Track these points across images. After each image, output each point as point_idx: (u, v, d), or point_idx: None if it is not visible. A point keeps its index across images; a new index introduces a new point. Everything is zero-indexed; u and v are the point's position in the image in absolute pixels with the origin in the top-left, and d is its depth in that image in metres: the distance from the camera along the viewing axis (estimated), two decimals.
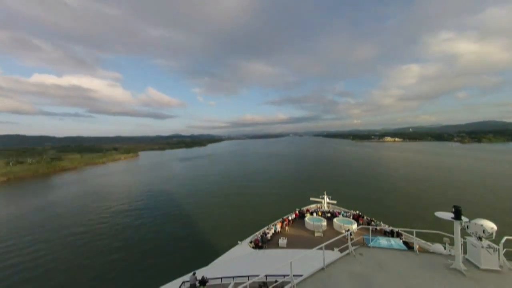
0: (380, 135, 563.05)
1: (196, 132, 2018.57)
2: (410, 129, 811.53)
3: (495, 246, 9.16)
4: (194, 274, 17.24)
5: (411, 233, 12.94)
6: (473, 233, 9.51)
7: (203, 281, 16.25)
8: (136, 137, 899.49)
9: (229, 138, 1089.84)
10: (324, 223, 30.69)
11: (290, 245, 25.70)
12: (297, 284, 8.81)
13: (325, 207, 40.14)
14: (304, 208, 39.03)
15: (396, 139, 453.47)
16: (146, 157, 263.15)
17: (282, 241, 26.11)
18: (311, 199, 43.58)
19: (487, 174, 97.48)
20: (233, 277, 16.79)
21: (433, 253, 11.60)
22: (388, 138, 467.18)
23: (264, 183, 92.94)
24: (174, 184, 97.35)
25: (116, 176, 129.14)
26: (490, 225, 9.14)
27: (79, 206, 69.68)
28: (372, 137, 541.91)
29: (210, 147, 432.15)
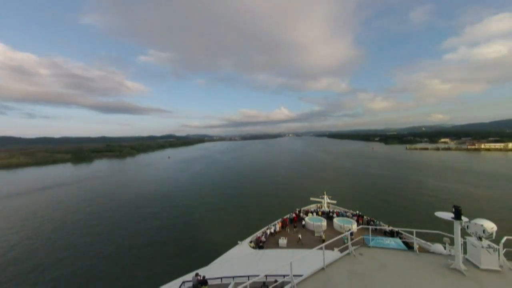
0: (409, 136, 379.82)
1: (193, 132, 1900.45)
2: (423, 128, 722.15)
3: (495, 246, 9.15)
4: (196, 275, 17.07)
5: (411, 233, 12.94)
6: (473, 233, 9.50)
7: (204, 281, 16.26)
8: (126, 138, 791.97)
9: (220, 139, 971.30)
10: (324, 223, 30.70)
11: (290, 245, 25.72)
12: (297, 284, 8.80)
13: (325, 207, 40.14)
14: (304, 208, 39.04)
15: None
16: None
17: (282, 241, 26.12)
18: (311, 199, 43.57)
19: None
20: (233, 277, 16.81)
21: (433, 253, 11.60)
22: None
23: None
24: None
25: None
26: (490, 225, 9.13)
27: None
28: (418, 138, 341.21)
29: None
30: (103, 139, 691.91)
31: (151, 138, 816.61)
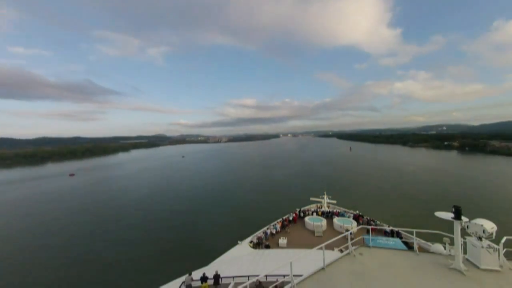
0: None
1: (186, 132, 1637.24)
2: (444, 128, 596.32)
3: (495, 246, 9.15)
4: (190, 274, 17.36)
5: (411, 233, 12.94)
6: (473, 233, 9.50)
7: (204, 278, 16.33)
8: (104, 138, 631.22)
9: (203, 141, 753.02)
10: (324, 223, 30.72)
11: (290, 245, 25.74)
12: (297, 284, 8.79)
13: (325, 207, 40.14)
14: (304, 208, 39.04)
15: None
16: None
17: (282, 241, 26.15)
18: (311, 199, 43.56)
19: None
20: (233, 277, 16.83)
21: (433, 253, 11.61)
22: None
23: None
24: None
25: None
26: (490, 225, 9.13)
27: None
28: None
29: None
30: (78, 140, 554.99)
31: (139, 137, 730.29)
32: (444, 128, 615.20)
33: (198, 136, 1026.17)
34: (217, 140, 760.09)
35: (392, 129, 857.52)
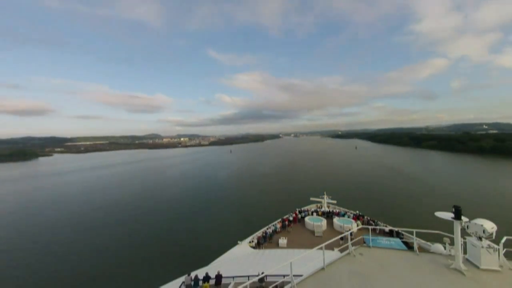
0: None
1: (184, 132, 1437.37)
2: (485, 126, 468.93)
3: (495, 246, 9.16)
4: (189, 275, 17.37)
5: (411, 233, 12.96)
6: (473, 233, 9.51)
7: (207, 278, 16.33)
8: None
9: (171, 145, 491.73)
10: (324, 223, 30.71)
11: (290, 245, 25.73)
12: (297, 284, 8.80)
13: (325, 207, 40.11)
14: (304, 208, 39.02)
15: None
16: None
17: (282, 241, 26.13)
18: (311, 199, 43.52)
19: None
20: (233, 277, 16.83)
21: (433, 253, 11.62)
22: None
23: None
24: None
25: None
26: (490, 225, 9.13)
27: None
28: None
29: None
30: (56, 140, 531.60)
31: (131, 137, 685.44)
32: (485, 126, 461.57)
33: (194, 135, 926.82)
34: (198, 142, 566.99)
35: (400, 128, 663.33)
